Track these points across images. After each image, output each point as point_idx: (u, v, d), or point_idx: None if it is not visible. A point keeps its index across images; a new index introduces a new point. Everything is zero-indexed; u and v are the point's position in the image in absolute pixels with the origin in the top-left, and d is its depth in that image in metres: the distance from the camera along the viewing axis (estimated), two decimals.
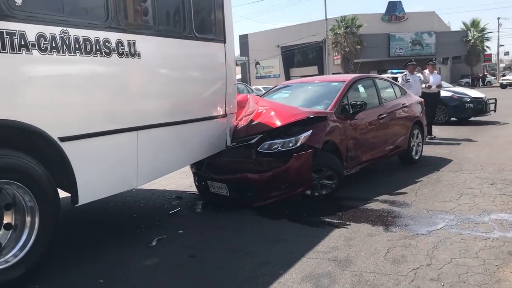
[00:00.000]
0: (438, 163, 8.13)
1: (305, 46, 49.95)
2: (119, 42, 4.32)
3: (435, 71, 11.66)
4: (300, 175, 5.61)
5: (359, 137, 6.61)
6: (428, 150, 9.34)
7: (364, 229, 4.81)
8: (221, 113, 5.95)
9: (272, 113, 6.01)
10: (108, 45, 4.21)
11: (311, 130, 5.83)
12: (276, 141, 5.72)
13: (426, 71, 11.29)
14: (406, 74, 10.52)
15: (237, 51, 56.48)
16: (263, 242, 4.57)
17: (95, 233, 5.10)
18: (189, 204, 6.13)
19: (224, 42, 5.86)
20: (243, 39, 56.36)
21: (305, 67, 51.98)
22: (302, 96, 7.25)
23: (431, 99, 10.82)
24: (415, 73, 10.71)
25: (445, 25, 57.21)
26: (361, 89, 7.35)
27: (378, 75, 8.17)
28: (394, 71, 16.35)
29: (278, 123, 5.80)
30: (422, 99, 8.83)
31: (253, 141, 5.81)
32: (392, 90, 8.04)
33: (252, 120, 6.09)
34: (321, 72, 48.35)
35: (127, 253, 4.42)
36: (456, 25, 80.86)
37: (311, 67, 51.27)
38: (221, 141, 6.00)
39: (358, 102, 6.48)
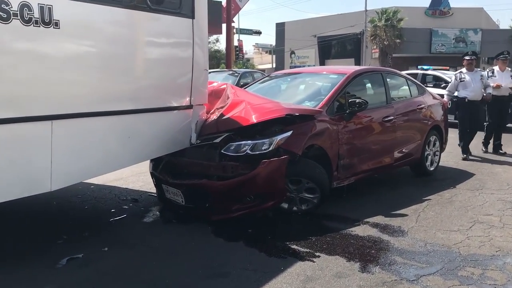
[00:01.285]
0: (456, 177, 6.88)
1: (342, 37, 48.34)
2: (25, 6, 3.34)
3: (508, 69, 9.04)
4: (270, 186, 4.55)
5: (356, 143, 5.47)
6: (449, 160, 8.07)
7: (334, 265, 3.71)
8: (185, 103, 4.92)
9: (248, 107, 4.94)
10: (6, 7, 3.23)
11: (291, 132, 4.74)
12: (245, 142, 4.67)
13: (496, 67, 9.09)
14: (461, 72, 8.52)
15: (273, 40, 55.16)
16: (198, 273, 3.55)
17: (7, 238, 4.19)
18: (141, 210, 5.15)
19: (192, 17, 4.82)
20: (280, 27, 55.17)
21: (342, 58, 50.27)
22: (293, 89, 6.14)
23: (500, 103, 8.72)
24: (479, 69, 8.63)
25: (494, 23, 54.23)
26: (366, 85, 6.18)
27: (389, 69, 6.95)
28: (425, 67, 14.87)
29: (252, 120, 4.73)
30: (445, 100, 7.54)
31: (217, 140, 4.77)
32: (407, 87, 6.81)
33: (223, 114, 5.04)
34: (358, 65, 46.66)
35: (26, 274, 3.48)
36: (505, 23, 76.93)
37: (347, 59, 49.54)
38: (183, 137, 4.99)
39: (357, 101, 5.33)
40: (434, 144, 7.00)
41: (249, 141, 4.65)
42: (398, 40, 43.96)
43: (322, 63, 52.04)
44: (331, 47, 52.26)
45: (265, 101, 5.11)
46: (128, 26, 4.22)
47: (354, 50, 51.04)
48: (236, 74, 14.36)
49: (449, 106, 7.95)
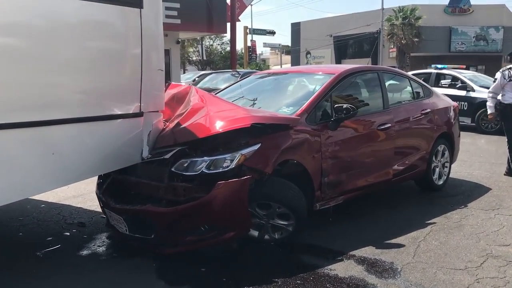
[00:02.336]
0: (468, 193, 5.92)
1: (358, 36, 47.33)
2: None
3: None
4: (229, 214, 3.69)
5: (344, 156, 4.57)
6: (461, 171, 7.09)
7: None
8: (132, 110, 4.08)
9: (209, 114, 4.09)
10: None
11: (259, 145, 3.87)
12: (201, 158, 3.80)
13: None
14: (510, 69, 6.69)
15: (288, 39, 54.12)
16: None
17: None
18: (83, 238, 4.32)
19: (140, 6, 3.98)
20: (295, 27, 54.42)
21: (358, 58, 49.18)
22: (273, 92, 5.24)
23: None
24: None
25: None
26: (358, 87, 5.26)
27: (388, 68, 5.98)
28: (439, 66, 13.79)
29: (210, 130, 3.88)
30: (455, 104, 6.55)
31: (167, 155, 3.91)
32: (410, 89, 5.86)
33: (179, 123, 4.19)
34: (375, 64, 45.56)
35: None
36: None
37: (364, 59, 48.42)
38: (132, 150, 4.14)
39: (344, 106, 4.42)
40: (443, 154, 6.03)
41: (206, 157, 3.79)
42: (416, 39, 42.79)
43: (338, 63, 50.96)
44: (347, 47, 51.32)
45: (231, 108, 4.24)
46: (49, 16, 3.38)
47: (371, 50, 50.05)
48: (237, 75, 13.52)
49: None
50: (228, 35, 21.53)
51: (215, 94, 5.41)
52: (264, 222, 4.04)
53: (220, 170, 3.72)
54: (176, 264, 3.71)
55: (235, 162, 3.74)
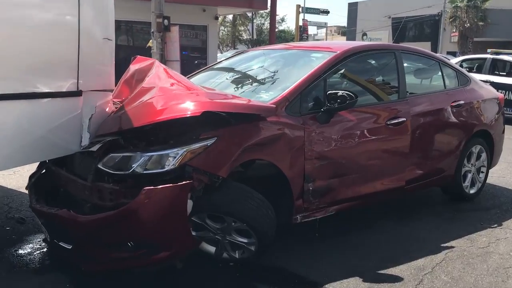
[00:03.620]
0: (509, 206, 4.78)
1: (418, 18, 45.05)
2: None
3: None
4: (161, 228, 2.85)
5: (337, 156, 3.61)
6: (505, 175, 5.89)
7: None
8: (66, 88, 3.28)
9: (156, 97, 3.24)
10: None
11: (214, 139, 2.98)
12: (134, 154, 2.96)
13: None
14: None
15: (344, 20, 52.33)
16: None
17: None
18: (11, 238, 3.60)
19: None
20: (352, 7, 52.59)
21: (417, 42, 46.80)
22: (257, 73, 4.25)
23: None
24: None
25: None
26: (366, 70, 4.23)
27: (411, 47, 4.83)
28: (499, 51, 12.13)
29: (148, 118, 3.06)
30: (500, 95, 5.34)
31: (94, 147, 3.11)
32: (440, 75, 4.73)
33: (123, 107, 3.38)
34: (434, 49, 43.20)
35: None
36: None
37: (423, 42, 46.04)
38: (68, 137, 3.36)
39: (340, 93, 3.44)
40: (478, 157, 4.89)
41: (142, 153, 2.94)
42: (481, 23, 40.05)
43: None
44: (406, 29, 49.04)
45: (187, 90, 3.34)
46: None
47: (431, 33, 47.76)
48: None
49: None
50: (278, 15, 20.51)
51: (195, 73, 4.55)
52: (219, 238, 3.18)
53: (157, 170, 2.88)
54: (96, 284, 2.92)
55: (177, 160, 2.88)
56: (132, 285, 2.96)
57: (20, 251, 3.35)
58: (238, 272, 3.17)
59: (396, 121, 3.94)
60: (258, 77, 4.07)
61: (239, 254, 3.25)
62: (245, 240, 3.16)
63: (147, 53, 12.41)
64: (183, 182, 2.79)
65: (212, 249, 3.27)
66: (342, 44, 4.51)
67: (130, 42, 18.56)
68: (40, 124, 3.22)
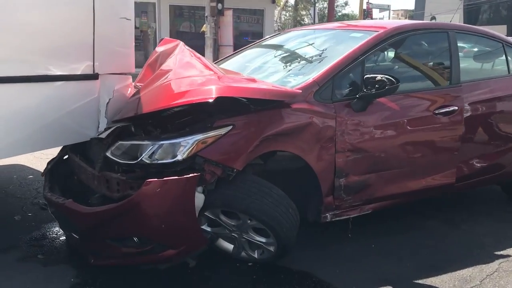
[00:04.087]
0: None
1: (493, 0, 42.30)
2: None
3: None
4: (166, 224, 2.60)
5: (375, 148, 3.22)
6: None
7: None
8: (80, 71, 3.11)
9: (170, 81, 3.00)
10: None
11: (229, 128, 2.70)
12: (143, 142, 2.73)
13: None
14: None
15: (411, 3, 50.36)
16: None
17: None
18: (31, 225, 3.49)
19: None
20: None
21: (492, 25, 43.98)
22: (289, 55, 3.87)
23: None
24: None
25: None
26: (413, 52, 3.76)
27: (468, 26, 4.26)
28: None
29: (157, 104, 2.84)
30: None
31: (103, 134, 2.91)
32: (503, 58, 4.15)
33: (140, 90, 3.17)
34: (510, 33, 40.42)
35: None
36: None
37: (499, 26, 43.19)
38: (85, 122, 3.21)
39: (378, 78, 3.04)
40: None
41: (150, 141, 2.71)
42: None
43: None
44: (480, 12, 46.18)
45: (204, 73, 3.06)
46: None
47: (508, 16, 44.76)
48: None
49: None
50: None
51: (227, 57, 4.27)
52: (236, 236, 2.90)
53: (166, 161, 2.63)
54: (101, 279, 2.73)
55: (186, 151, 2.62)
56: (139, 282, 2.74)
57: (35, 240, 3.23)
58: (255, 274, 2.89)
59: (447, 109, 3.47)
60: (290, 60, 3.73)
61: (259, 254, 2.96)
62: (263, 240, 2.87)
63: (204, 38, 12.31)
64: (190, 175, 2.53)
65: (230, 247, 3.01)
66: (387, 23, 4.06)
67: (192, 28, 18.60)
68: (54, 109, 3.07)
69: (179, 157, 2.61)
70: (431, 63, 3.73)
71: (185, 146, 2.62)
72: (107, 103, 3.25)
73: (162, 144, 2.67)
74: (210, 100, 2.61)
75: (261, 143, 2.76)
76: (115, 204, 2.58)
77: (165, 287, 2.73)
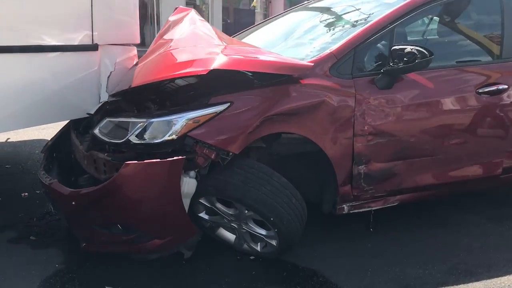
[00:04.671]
0: None
1: None
2: None
3: None
4: (149, 211, 2.34)
5: (402, 132, 2.79)
6: None
7: None
8: (78, 41, 2.91)
9: (166, 52, 2.72)
10: None
11: (226, 105, 2.38)
12: (131, 119, 2.47)
13: None
14: None
15: None
16: None
17: None
18: (35, 204, 3.36)
19: None
20: None
21: None
22: (312, 24, 3.42)
23: None
24: None
25: None
26: (453, 20, 3.22)
27: None
28: None
29: (148, 76, 2.58)
30: None
31: (92, 111, 2.68)
32: None
33: (139, 62, 2.92)
34: None
35: None
36: None
37: None
38: (85, 96, 3.01)
39: (407, 49, 2.60)
40: None
41: (138, 119, 2.44)
42: None
43: None
44: None
45: (204, 44, 2.73)
46: None
47: None
48: None
49: None
50: None
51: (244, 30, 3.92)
52: (235, 226, 2.60)
53: (153, 141, 2.36)
54: (89, 266, 2.53)
55: (175, 130, 2.33)
56: (126, 272, 2.51)
57: (33, 219, 3.08)
58: (255, 270, 2.58)
59: (493, 88, 2.96)
60: (313, 30, 3.32)
61: (261, 248, 2.66)
62: (263, 233, 2.56)
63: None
64: (174, 158, 2.24)
65: (232, 237, 2.72)
66: None
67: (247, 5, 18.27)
68: (50, 82, 2.89)
69: (167, 137, 2.33)
70: (476, 33, 3.19)
71: (173, 126, 2.33)
72: (109, 76, 3.04)
73: (152, 122, 2.40)
74: (204, 73, 2.30)
75: (262, 124, 2.43)
76: (94, 188, 2.35)
77: (153, 278, 2.48)
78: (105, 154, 2.47)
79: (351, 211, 2.81)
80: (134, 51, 3.18)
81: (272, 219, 2.40)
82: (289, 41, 3.28)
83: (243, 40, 3.50)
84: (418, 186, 2.95)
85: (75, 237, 2.70)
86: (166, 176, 2.24)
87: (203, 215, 2.62)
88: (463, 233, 3.05)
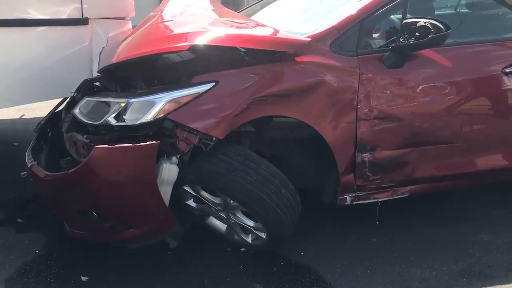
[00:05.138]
0: None
1: None
2: None
3: None
4: (120, 199, 2.17)
5: (414, 116, 2.50)
6: None
7: None
8: (67, 15, 2.75)
9: (151, 26, 2.52)
10: None
11: (210, 85, 2.17)
12: (111, 99, 2.29)
13: None
14: None
15: None
16: None
17: None
18: (31, 184, 3.27)
19: None
20: None
21: None
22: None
23: None
24: None
25: None
26: None
27: None
28: None
29: (128, 53, 2.37)
30: None
31: (73, 90, 2.52)
32: None
33: (127, 37, 2.73)
34: None
35: None
36: None
37: None
38: (74, 75, 2.85)
39: (420, 23, 2.29)
40: None
41: (116, 99, 2.26)
42: None
43: None
44: None
45: (189, 19, 2.51)
46: None
47: None
48: None
49: None
50: None
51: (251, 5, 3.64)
52: (224, 216, 2.41)
53: (130, 123, 2.17)
54: (67, 253, 2.41)
55: (153, 112, 2.14)
56: (106, 261, 2.38)
57: (24, 201, 2.98)
58: (243, 264, 2.39)
59: None
60: (317, 2, 3.02)
61: (252, 239, 2.46)
62: (251, 224, 2.36)
63: None
64: (147, 143, 2.05)
65: (223, 227, 2.53)
66: None
67: None
68: (37, 58, 2.77)
69: (143, 120, 2.14)
70: (503, 3, 2.81)
71: (151, 107, 2.14)
72: (101, 52, 2.86)
73: (132, 102, 2.21)
74: (183, 50, 2.10)
75: (251, 106, 2.20)
76: (64, 172, 2.20)
77: (134, 269, 2.33)
78: (84, 136, 2.30)
79: (354, 202, 2.57)
80: (129, 25, 3.00)
81: (257, 210, 2.19)
82: (291, 14, 3.00)
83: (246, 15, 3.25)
84: (433, 176, 2.66)
85: (60, 222, 2.58)
86: (139, 162, 2.06)
87: (190, 203, 2.44)
88: (483, 229, 2.74)
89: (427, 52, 2.44)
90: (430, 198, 2.90)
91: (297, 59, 2.29)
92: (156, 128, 2.14)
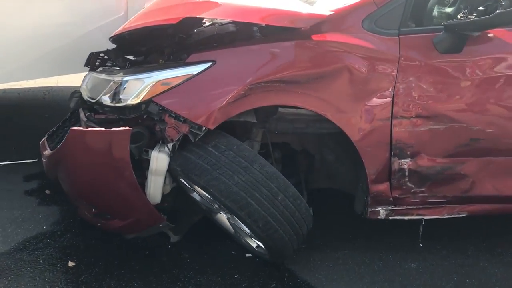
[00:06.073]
0: None
1: None
2: None
3: None
4: (94, 187, 1.97)
5: (476, 118, 1.92)
6: None
7: None
8: None
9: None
10: None
11: (206, 65, 1.86)
12: (110, 77, 2.09)
13: None
14: None
15: None
16: None
17: None
18: None
19: None
20: None
21: None
22: None
23: None
24: None
25: None
26: None
27: None
28: None
29: (132, 22, 2.14)
30: None
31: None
32: None
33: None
34: None
35: None
36: None
37: None
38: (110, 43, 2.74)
39: None
40: None
41: (110, 76, 2.06)
42: None
43: None
44: None
45: None
46: None
47: None
48: None
49: None
50: None
51: None
52: (228, 216, 2.12)
53: (118, 104, 1.96)
54: (68, 234, 2.32)
55: (140, 94, 1.90)
56: (101, 248, 2.23)
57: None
58: (239, 272, 2.07)
59: None
60: None
61: (255, 246, 2.13)
62: (247, 230, 2.01)
63: None
64: (119, 129, 1.81)
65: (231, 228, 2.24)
66: None
67: None
68: (72, 28, 2.65)
69: (130, 101, 1.90)
70: None
71: (138, 88, 1.90)
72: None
73: (127, 80, 1.99)
74: (173, 22, 1.81)
75: (250, 93, 1.84)
76: (51, 152, 2.07)
77: (124, 261, 2.15)
78: (86, 114, 2.15)
79: (390, 217, 2.09)
80: None
81: (242, 217, 1.85)
82: None
83: None
84: (500, 196, 2.05)
85: None
86: (111, 149, 1.83)
87: (195, 196, 2.18)
88: None
89: (497, 33, 1.83)
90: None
91: (315, 37, 1.86)
92: (142, 111, 1.90)
